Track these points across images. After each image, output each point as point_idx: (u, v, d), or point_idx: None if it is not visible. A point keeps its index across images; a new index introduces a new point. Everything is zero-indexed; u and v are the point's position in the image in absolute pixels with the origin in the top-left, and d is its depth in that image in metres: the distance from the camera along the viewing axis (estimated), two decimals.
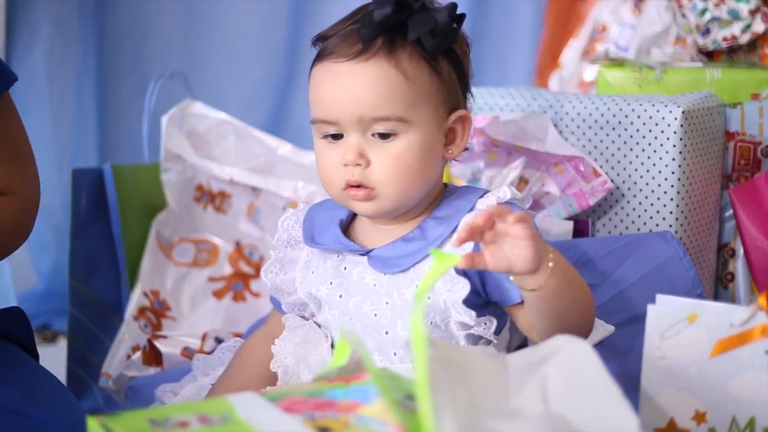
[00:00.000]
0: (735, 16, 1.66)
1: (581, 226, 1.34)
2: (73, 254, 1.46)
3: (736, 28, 1.67)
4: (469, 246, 0.97)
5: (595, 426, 0.75)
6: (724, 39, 1.68)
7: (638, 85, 1.50)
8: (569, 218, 1.34)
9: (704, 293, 1.23)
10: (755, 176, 1.38)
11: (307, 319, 1.12)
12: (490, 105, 1.42)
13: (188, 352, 1.39)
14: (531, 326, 1.00)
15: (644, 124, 1.33)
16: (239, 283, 1.54)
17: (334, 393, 0.80)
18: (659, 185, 1.33)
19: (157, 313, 1.46)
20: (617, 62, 1.55)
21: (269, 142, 1.55)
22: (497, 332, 1.03)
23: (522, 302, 0.99)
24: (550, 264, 0.91)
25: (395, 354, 1.04)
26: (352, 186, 1.02)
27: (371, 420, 0.75)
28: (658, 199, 1.33)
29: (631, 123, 1.34)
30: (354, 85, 1.00)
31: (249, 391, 0.84)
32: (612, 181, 1.34)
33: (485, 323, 1.01)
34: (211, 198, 1.56)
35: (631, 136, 1.34)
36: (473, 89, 1.12)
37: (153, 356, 1.39)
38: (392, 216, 1.05)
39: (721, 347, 0.89)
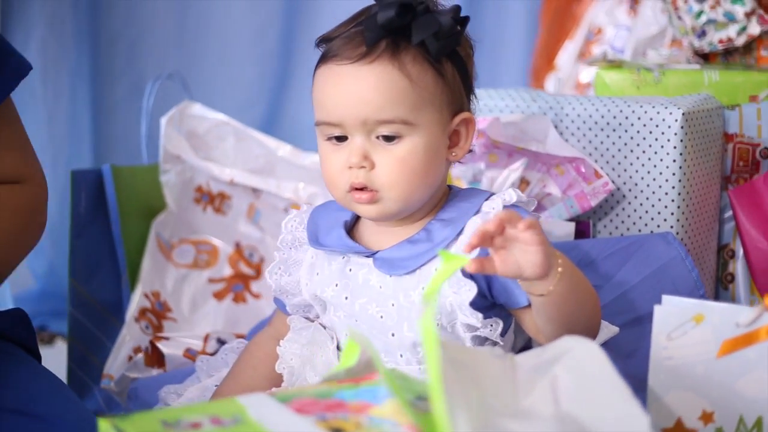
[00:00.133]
0: (731, 18, 1.67)
1: (582, 227, 1.34)
2: (72, 255, 1.46)
3: (731, 31, 1.68)
4: (476, 250, 0.97)
5: (607, 425, 0.75)
6: (720, 41, 1.69)
7: (636, 86, 1.51)
8: (570, 219, 1.35)
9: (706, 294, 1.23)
10: (754, 178, 1.39)
11: (312, 321, 1.12)
12: (489, 107, 1.42)
13: (190, 354, 1.39)
14: (538, 329, 1.00)
15: (645, 125, 1.34)
16: (239, 284, 1.54)
17: (343, 394, 0.80)
18: (660, 186, 1.33)
19: (157, 314, 1.46)
20: (615, 64, 1.56)
21: (269, 143, 1.55)
22: (502, 334, 1.03)
23: (529, 305, 0.99)
24: (559, 269, 0.92)
25: (401, 356, 1.04)
26: (357, 189, 1.02)
27: (383, 421, 0.75)
28: (659, 200, 1.34)
29: (632, 124, 1.34)
30: (358, 88, 1.00)
31: (258, 393, 0.84)
32: (613, 182, 1.35)
33: (491, 325, 1.01)
34: (211, 199, 1.56)
35: (632, 138, 1.34)
36: None
37: (155, 357, 1.39)
38: (396, 219, 1.05)
39: (728, 347, 0.89)
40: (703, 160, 1.36)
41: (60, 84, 2.19)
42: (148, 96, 1.58)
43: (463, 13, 1.03)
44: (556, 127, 1.38)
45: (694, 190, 1.35)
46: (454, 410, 0.70)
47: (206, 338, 1.42)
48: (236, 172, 1.54)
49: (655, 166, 1.33)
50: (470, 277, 1.00)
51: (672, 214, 1.33)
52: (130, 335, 1.41)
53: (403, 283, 1.03)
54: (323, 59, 1.04)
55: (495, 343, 1.03)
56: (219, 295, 1.52)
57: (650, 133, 1.33)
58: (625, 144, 1.35)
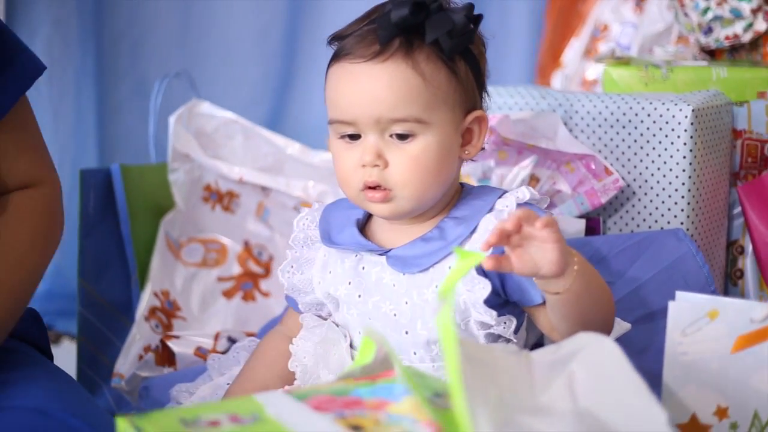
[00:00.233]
0: (737, 14, 1.67)
1: (593, 224, 1.35)
2: (81, 255, 1.46)
3: (738, 27, 1.68)
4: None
5: (625, 421, 0.75)
6: (727, 38, 1.69)
7: (644, 83, 1.51)
8: (580, 216, 1.35)
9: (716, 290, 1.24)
10: (763, 174, 1.39)
11: (325, 319, 1.12)
12: (498, 104, 1.43)
13: (201, 352, 1.39)
14: (552, 326, 1.00)
15: (654, 122, 1.34)
16: (249, 282, 1.54)
17: (360, 391, 0.80)
18: (670, 183, 1.33)
19: (167, 313, 1.46)
20: (623, 61, 1.56)
21: (277, 141, 1.55)
22: (515, 331, 1.04)
23: (543, 303, 0.99)
24: (575, 267, 0.92)
25: (414, 353, 1.04)
26: (370, 187, 1.02)
27: (402, 417, 0.75)
28: (669, 196, 1.34)
29: (642, 121, 1.35)
30: (372, 86, 1.00)
31: (274, 391, 0.84)
32: (623, 179, 1.35)
33: (505, 322, 1.01)
34: (219, 198, 1.56)
35: (642, 135, 1.35)
36: None
37: (166, 356, 1.39)
38: (408, 217, 1.05)
39: (742, 343, 0.89)
40: (712, 156, 1.36)
41: (65, 83, 2.19)
42: (156, 95, 1.58)
43: None
44: (565, 124, 1.38)
45: (703, 186, 1.35)
46: (474, 407, 0.70)
47: (217, 337, 1.42)
48: (245, 170, 1.54)
49: (665, 162, 1.34)
50: (484, 274, 1.00)
51: (682, 210, 1.33)
52: (141, 334, 1.41)
53: (416, 281, 1.03)
54: (336, 57, 1.04)
55: (508, 341, 1.03)
56: (228, 294, 1.52)
57: (660, 129, 1.34)
58: (635, 141, 1.35)
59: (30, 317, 1.12)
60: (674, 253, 1.22)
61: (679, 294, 0.91)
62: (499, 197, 1.04)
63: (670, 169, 1.33)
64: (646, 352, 1.09)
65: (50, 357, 1.14)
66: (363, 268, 1.06)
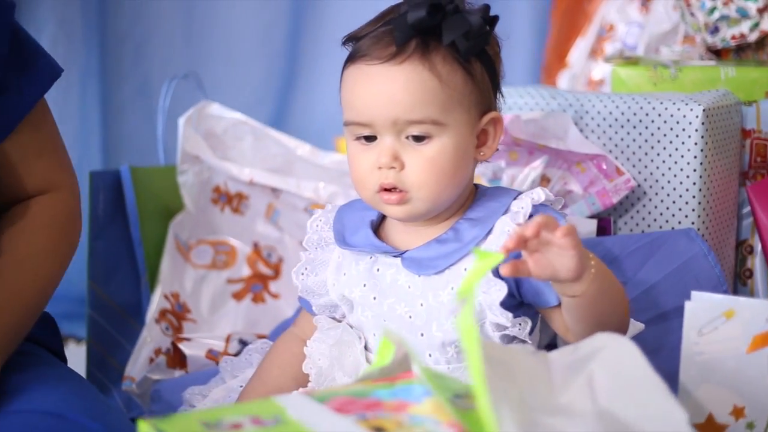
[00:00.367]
0: (743, 14, 1.67)
1: (604, 224, 1.35)
2: (91, 257, 1.46)
3: (744, 27, 1.68)
4: None
5: (646, 422, 0.76)
6: (733, 37, 1.69)
7: (653, 83, 1.52)
8: (592, 216, 1.35)
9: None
10: None
11: (339, 321, 1.12)
12: (508, 104, 1.43)
13: (213, 355, 1.39)
14: (567, 328, 1.00)
15: (665, 122, 1.34)
16: (258, 284, 1.53)
17: (380, 393, 0.80)
18: (680, 183, 1.34)
19: (177, 315, 1.46)
20: (631, 61, 1.56)
21: (287, 142, 1.55)
22: (530, 332, 1.04)
23: (558, 305, 0.99)
24: (592, 270, 0.92)
25: (430, 355, 1.04)
26: (386, 189, 1.02)
27: (424, 418, 0.75)
28: (680, 196, 1.34)
29: (652, 121, 1.35)
30: (388, 88, 1.00)
31: (293, 393, 0.84)
32: (634, 179, 1.35)
33: (520, 324, 1.02)
34: (228, 199, 1.56)
35: (652, 134, 1.35)
36: None
37: (177, 359, 1.39)
38: (423, 219, 1.05)
39: (758, 342, 0.90)
40: (722, 156, 1.37)
41: (69, 83, 2.19)
42: (165, 96, 1.57)
43: None
44: (576, 124, 1.38)
45: (713, 186, 1.35)
46: (499, 408, 0.70)
47: (228, 339, 1.42)
48: (255, 171, 1.54)
49: (675, 162, 1.34)
50: (500, 276, 1.00)
51: (693, 210, 1.34)
52: (151, 337, 1.41)
53: (431, 282, 1.03)
54: (352, 59, 1.04)
55: (523, 342, 1.03)
56: (238, 296, 1.52)
57: (671, 129, 1.34)
58: (646, 141, 1.35)
59: (44, 320, 1.12)
60: (686, 253, 1.22)
61: (695, 294, 0.91)
62: (515, 198, 1.04)
63: (681, 169, 1.34)
64: (658, 353, 1.08)
65: (64, 360, 1.14)
66: (378, 270, 1.06)
